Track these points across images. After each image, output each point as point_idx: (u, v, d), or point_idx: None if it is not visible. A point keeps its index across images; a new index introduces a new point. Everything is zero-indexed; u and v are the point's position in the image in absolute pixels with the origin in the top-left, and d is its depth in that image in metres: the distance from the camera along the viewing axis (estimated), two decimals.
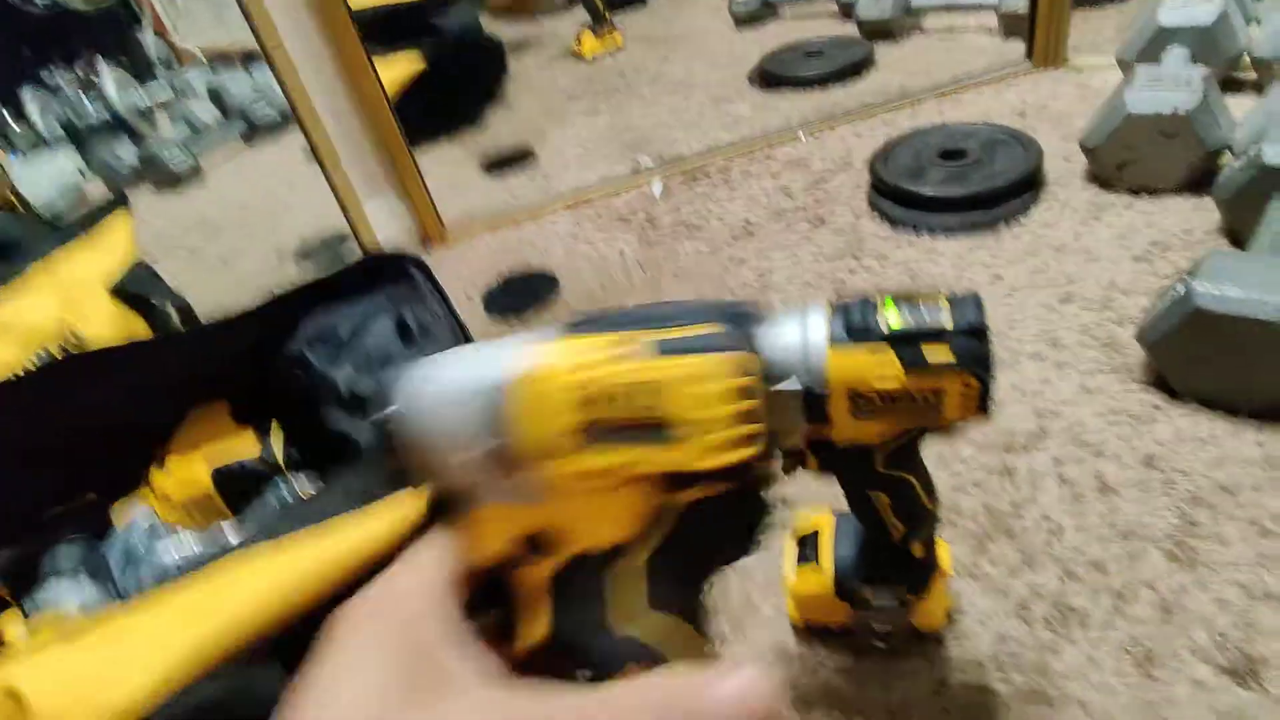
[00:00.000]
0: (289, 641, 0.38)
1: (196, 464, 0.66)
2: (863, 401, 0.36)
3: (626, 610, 0.27)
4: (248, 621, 0.37)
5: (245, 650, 0.37)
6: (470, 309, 0.96)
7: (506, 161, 1.33)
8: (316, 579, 0.38)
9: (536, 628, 0.26)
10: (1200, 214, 0.81)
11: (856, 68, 1.32)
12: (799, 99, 1.29)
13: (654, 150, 1.22)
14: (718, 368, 0.26)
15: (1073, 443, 0.61)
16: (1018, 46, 1.21)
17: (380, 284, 0.70)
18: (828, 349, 0.36)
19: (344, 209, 1.07)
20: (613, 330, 0.25)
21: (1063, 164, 0.93)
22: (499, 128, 1.50)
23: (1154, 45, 0.97)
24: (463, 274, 1.03)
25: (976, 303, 0.35)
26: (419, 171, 1.12)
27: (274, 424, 0.69)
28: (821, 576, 0.50)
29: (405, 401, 0.28)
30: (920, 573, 0.47)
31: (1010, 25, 1.30)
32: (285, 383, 0.67)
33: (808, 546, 0.52)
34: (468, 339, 0.59)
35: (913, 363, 0.35)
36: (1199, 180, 0.83)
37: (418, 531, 0.33)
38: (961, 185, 0.89)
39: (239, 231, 1.38)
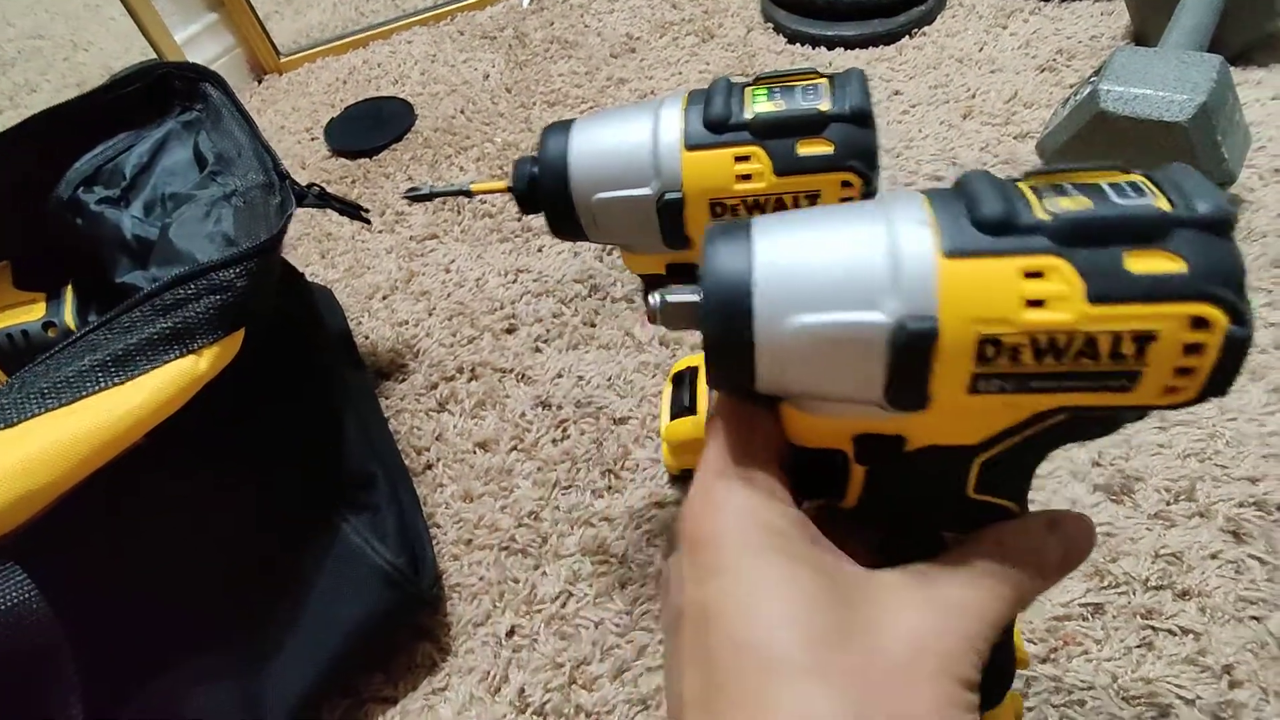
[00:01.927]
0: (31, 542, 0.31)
1: None
2: (725, 212, 0.31)
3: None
4: None
5: None
6: (312, 148, 0.82)
7: None
8: (67, 455, 0.30)
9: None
10: (1108, 19, 0.75)
11: None
12: None
13: None
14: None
15: None
16: None
17: (171, 107, 0.57)
18: (682, 149, 0.30)
19: (146, 35, 0.88)
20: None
21: None
22: None
23: None
24: (301, 106, 0.88)
25: (860, 81, 0.30)
26: None
27: (69, 286, 0.58)
28: (697, 422, 0.45)
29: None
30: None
31: None
32: (64, 232, 0.55)
33: (683, 389, 0.47)
34: (278, 170, 0.48)
35: (783, 158, 0.29)
36: None
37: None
38: None
39: (31, 65, 1.14)
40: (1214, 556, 0.41)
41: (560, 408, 0.54)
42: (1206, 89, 0.49)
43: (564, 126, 0.33)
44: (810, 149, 0.29)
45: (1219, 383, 0.19)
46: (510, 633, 0.45)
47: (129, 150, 0.55)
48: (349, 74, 0.92)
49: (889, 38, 0.79)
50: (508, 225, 0.69)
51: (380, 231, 0.71)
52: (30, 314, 0.56)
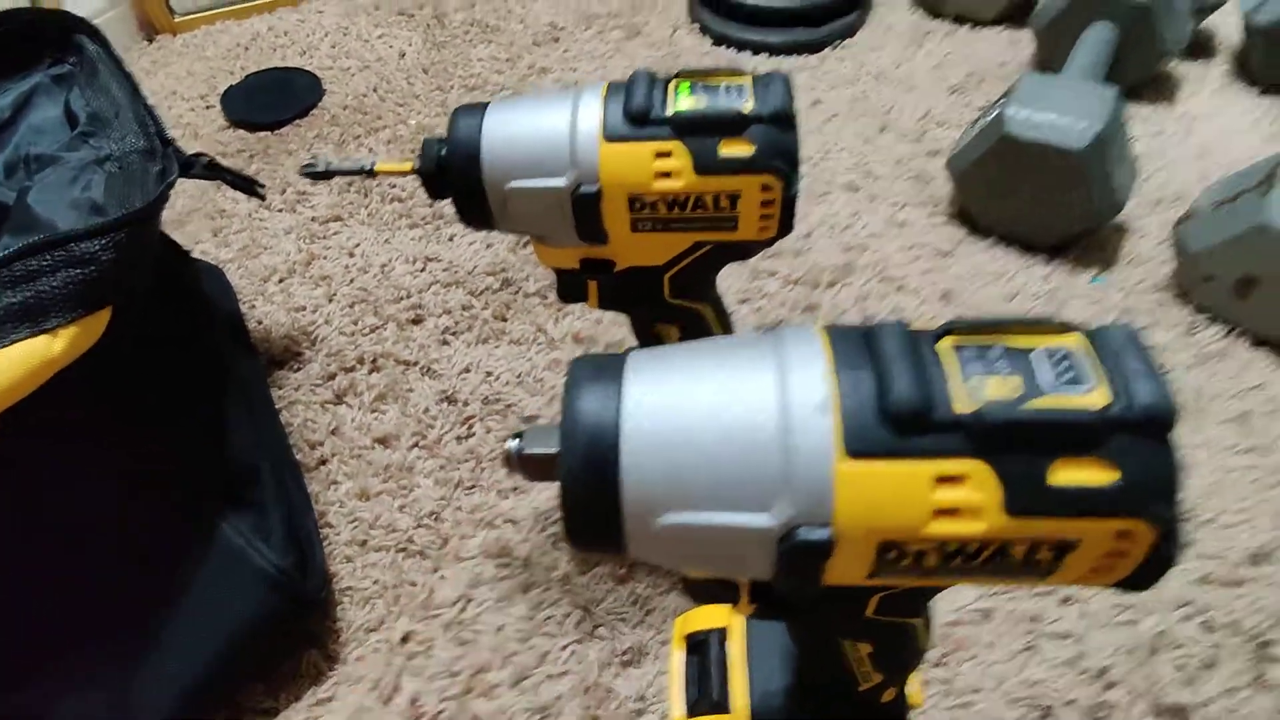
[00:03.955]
0: None
1: None
2: (644, 209, 0.30)
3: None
4: None
5: None
6: (207, 116, 0.77)
7: None
8: None
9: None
10: (1016, 47, 0.79)
11: None
12: None
13: None
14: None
15: (878, 278, 0.59)
16: None
17: (39, 59, 0.52)
18: (600, 141, 0.29)
19: None
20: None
21: None
22: None
23: None
24: (197, 71, 0.82)
25: (784, 83, 0.29)
26: None
27: None
28: None
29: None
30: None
31: None
32: None
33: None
34: (161, 135, 0.44)
35: (704, 157, 0.29)
36: (1016, 13, 0.80)
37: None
38: (788, 0, 0.81)
39: None
40: None
41: (467, 404, 0.52)
42: (1103, 119, 0.52)
43: (478, 108, 0.31)
44: (731, 149, 0.29)
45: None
46: (405, 639, 0.42)
47: None
48: (251, 40, 0.86)
49: (812, 47, 0.80)
50: (418, 211, 0.66)
51: (280, 210, 0.67)
52: None
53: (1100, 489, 0.16)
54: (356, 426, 0.51)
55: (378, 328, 0.57)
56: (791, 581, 0.18)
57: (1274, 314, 0.50)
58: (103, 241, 0.32)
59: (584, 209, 0.30)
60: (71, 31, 0.51)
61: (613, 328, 0.56)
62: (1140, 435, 0.16)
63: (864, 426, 0.17)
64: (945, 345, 0.18)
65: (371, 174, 0.34)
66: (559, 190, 0.30)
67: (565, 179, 0.30)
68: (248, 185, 0.49)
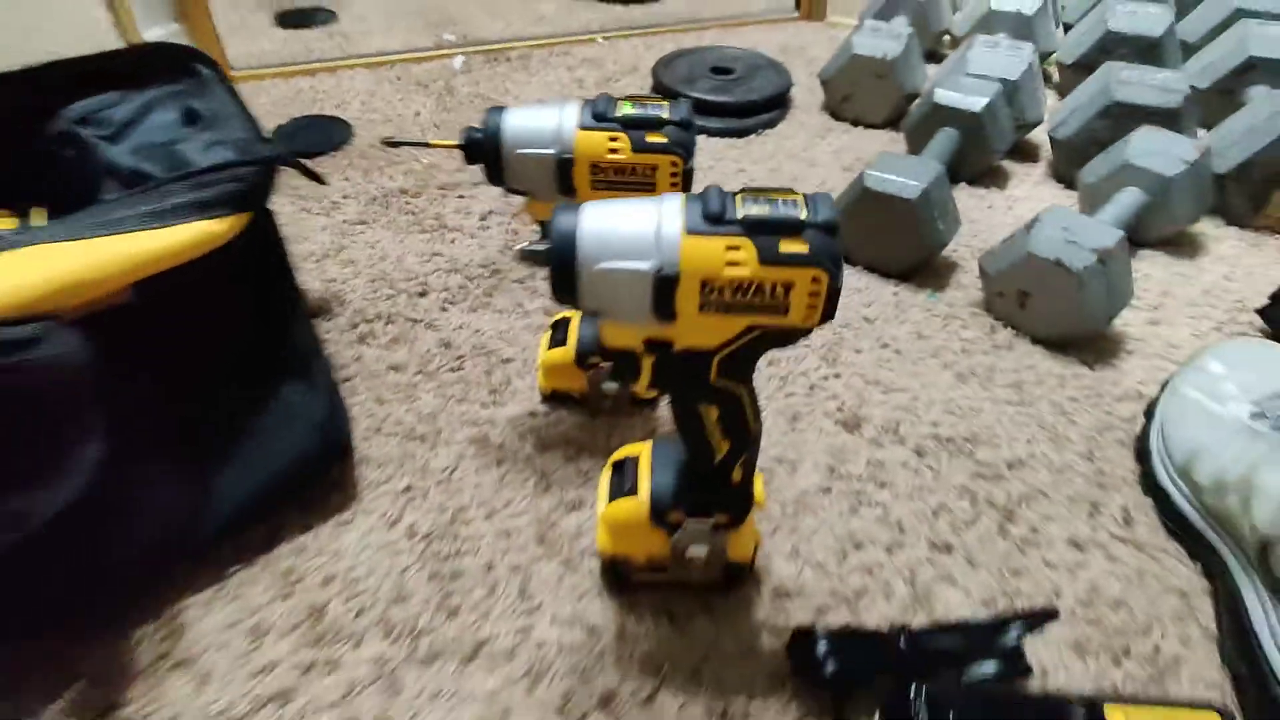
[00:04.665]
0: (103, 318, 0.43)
1: None
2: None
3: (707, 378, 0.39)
4: (58, 283, 0.41)
5: (58, 310, 0.41)
6: None
7: (304, 18, 1.30)
8: (118, 265, 0.43)
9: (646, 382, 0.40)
10: (894, 144, 1.03)
11: None
12: (600, 11, 1.39)
13: (459, 31, 1.26)
14: (801, 274, 0.35)
15: None
16: (792, 0, 1.40)
17: (157, 79, 0.69)
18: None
19: (121, 33, 1.00)
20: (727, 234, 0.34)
21: (807, 95, 1.12)
22: None
23: (885, 11, 1.19)
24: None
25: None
26: (207, 6, 1.07)
27: (35, 210, 0.67)
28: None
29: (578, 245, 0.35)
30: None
31: None
32: (50, 161, 0.65)
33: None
34: (260, 133, 0.62)
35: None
36: (896, 119, 1.05)
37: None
38: (725, 95, 1.05)
39: None
40: (904, 465, 0.61)
41: (459, 348, 0.69)
42: (929, 179, 0.74)
43: (499, 109, 0.51)
44: (790, 247, 0.34)
45: (829, 313, 0.35)
46: (406, 489, 0.58)
47: (117, 105, 0.66)
48: (295, 94, 1.06)
49: (741, 133, 1.04)
50: (426, 221, 0.84)
51: (317, 215, 0.85)
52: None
53: (802, 253, 0.34)
54: (374, 359, 0.68)
55: (392, 296, 0.75)
56: (659, 306, 0.35)
57: (1042, 319, 0.71)
58: (252, 169, 0.50)
59: (663, 288, 0.35)
60: (189, 60, 0.69)
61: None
62: (820, 231, 0.34)
63: (695, 219, 0.35)
64: (740, 194, 0.36)
65: (428, 145, 0.52)
66: (548, 157, 0.49)
67: (553, 150, 0.49)
68: (314, 175, 0.68)
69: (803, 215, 0.34)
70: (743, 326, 0.36)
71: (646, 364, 0.39)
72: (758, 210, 0.34)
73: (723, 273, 0.34)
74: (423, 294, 0.75)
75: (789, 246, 0.34)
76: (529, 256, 0.36)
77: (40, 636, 0.48)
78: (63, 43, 0.62)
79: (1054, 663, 0.48)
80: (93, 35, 1.00)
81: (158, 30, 1.05)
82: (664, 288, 0.35)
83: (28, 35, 0.96)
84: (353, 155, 0.94)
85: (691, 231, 0.34)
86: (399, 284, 0.76)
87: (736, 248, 0.34)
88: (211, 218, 0.48)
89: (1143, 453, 0.60)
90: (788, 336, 0.37)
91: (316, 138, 0.96)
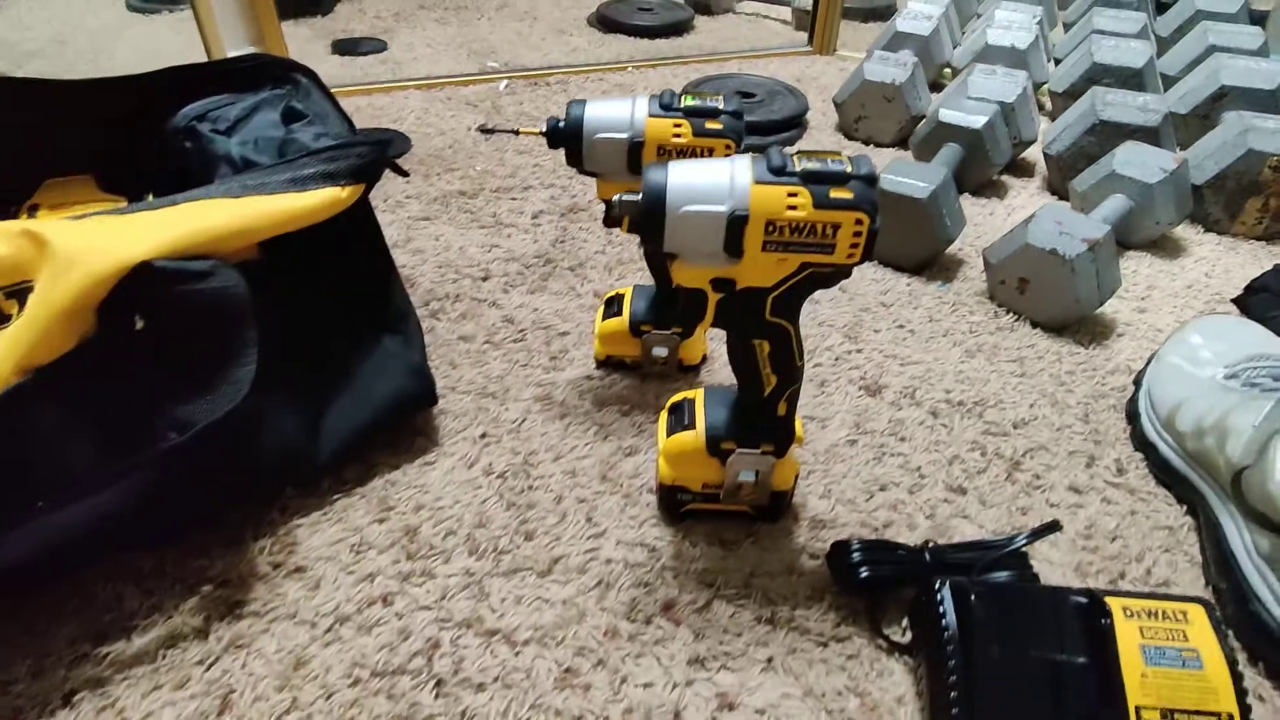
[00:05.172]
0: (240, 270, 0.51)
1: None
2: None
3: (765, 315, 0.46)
4: (221, 230, 0.49)
5: (218, 253, 0.49)
6: None
7: (356, 47, 1.41)
8: (267, 218, 0.52)
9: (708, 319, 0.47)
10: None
11: (679, 27, 1.56)
12: (630, 43, 1.50)
13: (502, 59, 1.37)
14: (847, 216, 0.42)
15: None
16: (804, 35, 1.52)
17: (262, 85, 0.79)
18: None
19: (207, 49, 1.10)
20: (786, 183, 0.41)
21: (821, 117, 1.23)
22: (349, 20, 1.55)
23: (892, 45, 1.30)
24: None
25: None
26: (280, 31, 1.17)
27: (150, 196, 0.76)
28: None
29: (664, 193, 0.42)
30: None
31: (800, 20, 1.61)
32: (169, 152, 0.74)
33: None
34: (354, 129, 0.71)
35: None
36: (904, 141, 1.15)
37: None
38: (748, 115, 1.15)
39: (50, 62, 1.32)
40: (920, 423, 0.68)
41: (521, 323, 0.77)
42: (937, 182, 0.83)
43: (580, 101, 0.60)
44: (838, 194, 0.41)
45: (867, 252, 0.41)
46: (482, 435, 0.65)
47: (229, 106, 0.76)
48: (354, 111, 1.15)
49: (761, 149, 1.13)
50: (484, 218, 0.93)
51: (383, 211, 0.94)
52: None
53: (847, 199, 0.42)
54: (446, 331, 0.76)
55: (457, 280, 0.83)
56: (730, 243, 0.44)
57: (1041, 303, 0.79)
58: (369, 147, 0.58)
59: (734, 228, 0.42)
60: (290, 69, 0.78)
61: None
62: (862, 181, 0.42)
63: (761, 172, 0.43)
64: (795, 155, 0.45)
65: (516, 133, 0.61)
66: (621, 141, 0.58)
67: (626, 134, 0.58)
68: (400, 169, 0.76)
69: (849, 169, 0.42)
70: (796, 264, 0.43)
71: (713, 300, 0.45)
72: (812, 165, 0.42)
73: (784, 213, 0.41)
74: (485, 279, 0.84)
75: (837, 193, 0.41)
76: (625, 205, 0.44)
77: (177, 541, 0.55)
78: (168, 62, 0.72)
79: (1058, 582, 0.55)
80: (189, 57, 1.10)
81: (235, 52, 1.15)
82: (735, 227, 0.41)
83: (144, 59, 1.09)
84: (412, 163, 1.04)
85: (759, 181, 0.41)
86: (463, 270, 0.84)
87: (795, 194, 0.41)
88: (338, 185, 0.56)
89: (1133, 414, 0.68)
90: (831, 277, 0.44)
91: None
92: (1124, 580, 0.56)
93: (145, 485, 0.50)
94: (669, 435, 0.56)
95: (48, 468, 0.47)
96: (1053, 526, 0.53)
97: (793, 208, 0.41)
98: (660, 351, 0.70)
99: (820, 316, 0.80)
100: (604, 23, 1.57)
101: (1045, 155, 1.03)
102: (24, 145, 0.70)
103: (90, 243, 0.45)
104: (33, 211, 0.72)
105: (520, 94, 1.24)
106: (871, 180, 0.41)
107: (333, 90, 1.15)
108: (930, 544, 0.54)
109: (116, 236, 0.46)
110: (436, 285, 0.82)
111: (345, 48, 1.41)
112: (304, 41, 1.41)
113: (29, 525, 0.47)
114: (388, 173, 0.63)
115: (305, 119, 0.73)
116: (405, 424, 0.65)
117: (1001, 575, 0.53)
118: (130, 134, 0.75)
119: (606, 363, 0.73)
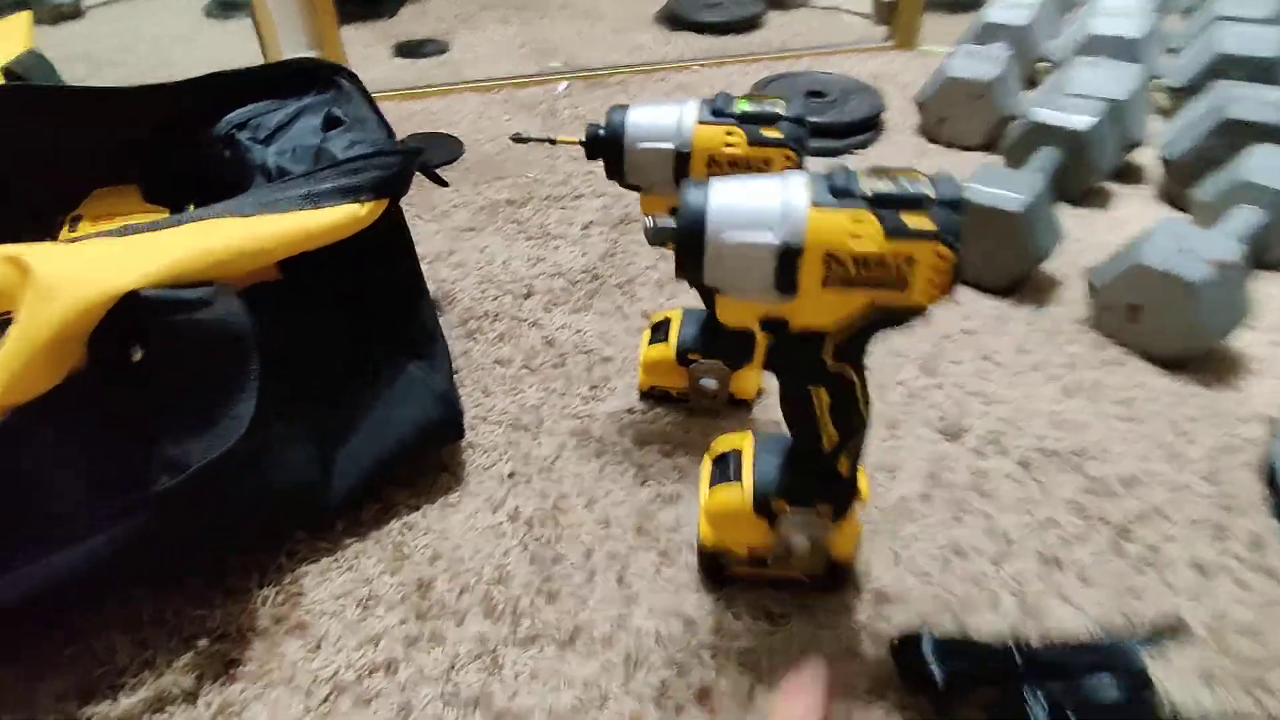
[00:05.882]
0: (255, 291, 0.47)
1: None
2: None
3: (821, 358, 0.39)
4: (222, 253, 0.45)
5: (224, 277, 0.45)
6: None
7: (419, 49, 1.38)
8: (276, 239, 0.47)
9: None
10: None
11: (749, 23, 1.47)
12: (696, 40, 1.42)
13: (562, 59, 1.32)
14: (925, 248, 0.35)
15: None
16: (883, 30, 1.41)
17: (309, 90, 0.75)
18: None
19: (265, 54, 1.09)
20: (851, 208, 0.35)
21: (900, 118, 1.12)
22: (411, 22, 1.53)
23: (982, 37, 1.19)
24: None
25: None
26: (339, 35, 1.15)
27: (191, 207, 0.73)
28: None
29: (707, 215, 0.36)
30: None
31: (880, 12, 1.50)
32: (209, 161, 0.71)
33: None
34: (392, 136, 0.67)
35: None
36: (991, 142, 1.04)
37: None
38: (818, 116, 1.06)
39: (123, 71, 1.34)
40: (1007, 476, 0.59)
41: (562, 346, 0.72)
42: (1032, 193, 0.73)
43: (622, 107, 0.53)
44: (916, 222, 0.34)
45: (950, 287, 0.34)
46: (510, 475, 0.60)
47: (272, 112, 0.72)
48: (411, 115, 1.13)
49: (835, 153, 1.04)
50: (531, 229, 0.88)
51: (429, 222, 0.90)
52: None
53: (927, 229, 0.34)
54: (481, 354, 0.71)
55: (499, 297, 0.78)
56: (782, 279, 0.36)
57: (1155, 334, 0.68)
58: (394, 159, 0.53)
59: (786, 261, 0.36)
60: (334, 73, 0.75)
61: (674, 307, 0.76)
62: (945, 207, 0.35)
63: (821, 193, 0.36)
64: (861, 173, 0.37)
65: (553, 142, 0.55)
66: (667, 151, 0.51)
67: (672, 144, 0.51)
68: (439, 178, 0.72)
69: (929, 193, 0.35)
70: (862, 303, 0.36)
71: (762, 341, 0.39)
72: (882, 186, 0.35)
73: (847, 244, 0.35)
74: (528, 295, 0.78)
75: (914, 221, 0.34)
76: (659, 232, 0.38)
77: (175, 584, 0.51)
78: (225, 66, 0.70)
79: (1178, 691, 0.46)
80: (244, 62, 1.10)
81: (291, 56, 1.14)
82: (788, 260, 0.35)
83: (205, 65, 1.09)
84: (461, 169, 0.99)
85: (818, 204, 0.35)
86: (505, 286, 0.79)
87: (860, 220, 0.34)
88: (357, 201, 0.51)
89: (1271, 474, 0.57)
90: (904, 315, 0.37)
91: (431, 152, 1.02)
92: (1263, 691, 0.46)
93: (139, 529, 0.46)
94: (711, 488, 0.50)
95: (35, 509, 0.44)
96: (1177, 629, 0.43)
97: (858, 237, 0.35)
98: (709, 384, 0.63)
99: (891, 345, 0.72)
100: (670, 19, 1.50)
101: (1163, 160, 0.91)
102: (69, 154, 0.69)
103: (75, 271, 0.41)
104: (75, 223, 0.70)
105: (578, 96, 1.19)
106: (956, 205, 0.35)
107: (391, 93, 1.13)
108: (1018, 641, 0.45)
109: (105, 263, 0.42)
110: (476, 303, 0.77)
111: (407, 50, 1.38)
112: (366, 45, 1.40)
113: (20, 570, 0.44)
114: (446, 177, 0.57)
115: (343, 125, 0.69)
116: (429, 456, 0.60)
117: (1106, 681, 0.44)
118: (175, 143, 0.73)
119: (650, 394, 0.66)
